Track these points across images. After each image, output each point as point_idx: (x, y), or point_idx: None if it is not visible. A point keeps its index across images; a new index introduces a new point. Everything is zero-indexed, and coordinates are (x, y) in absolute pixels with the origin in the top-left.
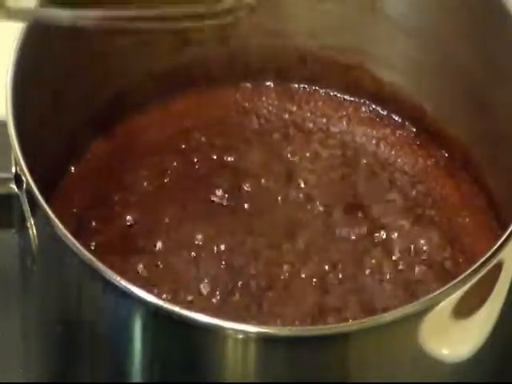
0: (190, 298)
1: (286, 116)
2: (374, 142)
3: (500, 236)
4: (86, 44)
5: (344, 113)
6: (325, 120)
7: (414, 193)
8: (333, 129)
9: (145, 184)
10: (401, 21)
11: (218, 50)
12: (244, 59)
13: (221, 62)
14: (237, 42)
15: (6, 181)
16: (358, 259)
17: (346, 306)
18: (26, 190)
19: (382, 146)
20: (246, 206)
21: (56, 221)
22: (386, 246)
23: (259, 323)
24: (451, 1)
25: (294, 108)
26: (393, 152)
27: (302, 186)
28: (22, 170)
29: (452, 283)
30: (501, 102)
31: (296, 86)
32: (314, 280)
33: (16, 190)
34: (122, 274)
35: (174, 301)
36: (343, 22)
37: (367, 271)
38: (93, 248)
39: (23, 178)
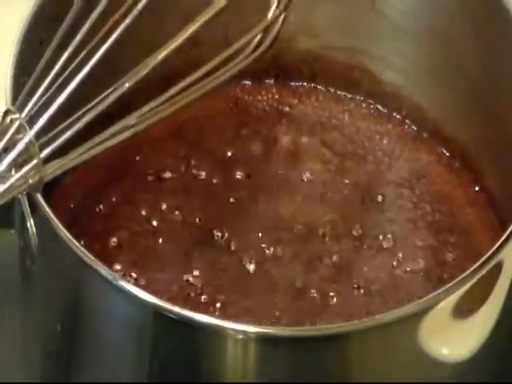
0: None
1: (287, 109)
2: (377, 136)
3: (500, 236)
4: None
5: (346, 107)
6: (327, 114)
7: (417, 188)
8: (335, 121)
9: (144, 180)
10: (400, 20)
11: (218, 49)
12: None
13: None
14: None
15: None
16: (360, 253)
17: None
18: None
19: (385, 140)
20: (242, 193)
21: (56, 221)
22: (388, 239)
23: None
24: (451, 0)
25: (296, 101)
26: (396, 147)
27: (305, 177)
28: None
29: (452, 283)
30: (500, 102)
31: (296, 84)
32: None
33: None
34: (122, 271)
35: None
36: (343, 22)
37: (367, 266)
38: (91, 245)
39: None
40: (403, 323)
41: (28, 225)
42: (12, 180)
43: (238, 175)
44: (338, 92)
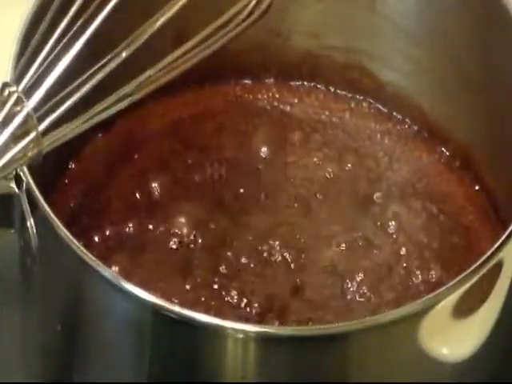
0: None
1: (288, 108)
2: (377, 135)
3: (500, 236)
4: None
5: (346, 106)
6: (327, 113)
7: (417, 187)
8: (335, 120)
9: (144, 178)
10: (400, 20)
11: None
12: (245, 58)
13: (222, 60)
14: (238, 40)
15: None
16: (359, 251)
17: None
18: (25, 189)
19: (385, 139)
20: (242, 192)
21: (56, 220)
22: (390, 238)
23: None
24: (451, 0)
25: (296, 100)
26: (396, 146)
27: (305, 176)
28: (22, 169)
29: (452, 283)
30: (501, 102)
31: (296, 83)
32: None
33: (16, 189)
34: (121, 270)
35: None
36: (343, 22)
37: (367, 263)
38: (91, 244)
39: (23, 178)
40: (403, 323)
41: (28, 225)
42: (11, 153)
43: (238, 174)
44: (338, 91)
